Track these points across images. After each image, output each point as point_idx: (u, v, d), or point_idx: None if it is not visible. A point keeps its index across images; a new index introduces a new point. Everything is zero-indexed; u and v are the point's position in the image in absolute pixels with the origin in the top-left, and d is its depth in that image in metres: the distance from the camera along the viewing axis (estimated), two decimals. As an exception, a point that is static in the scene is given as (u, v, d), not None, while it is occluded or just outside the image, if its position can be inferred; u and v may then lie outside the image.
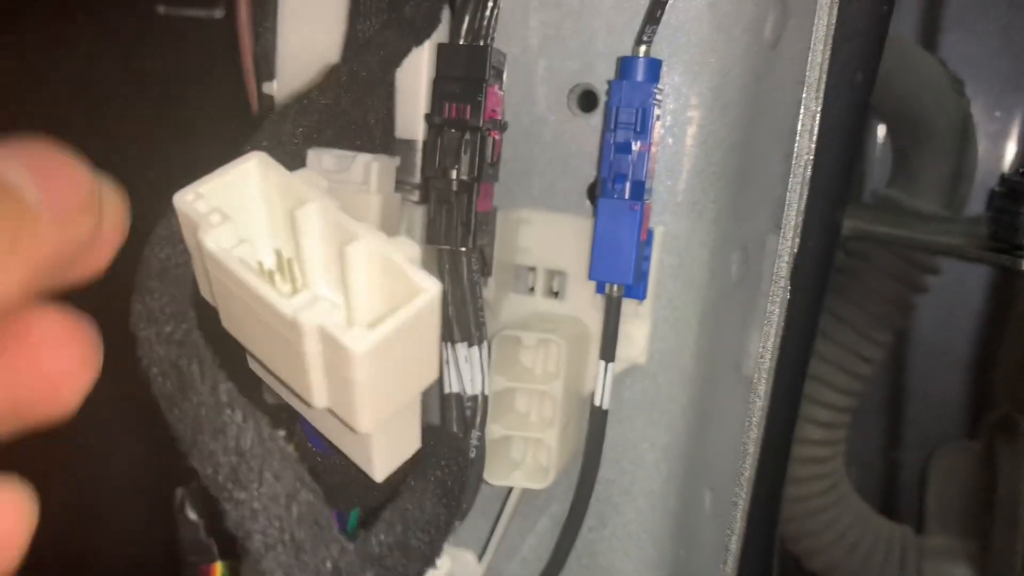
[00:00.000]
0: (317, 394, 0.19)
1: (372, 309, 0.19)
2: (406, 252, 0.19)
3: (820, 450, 0.47)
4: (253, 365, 0.23)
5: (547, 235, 0.33)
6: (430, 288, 0.18)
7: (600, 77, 0.32)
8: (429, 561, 0.23)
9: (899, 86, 0.43)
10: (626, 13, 0.31)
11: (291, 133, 0.23)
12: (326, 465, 0.26)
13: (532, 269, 0.34)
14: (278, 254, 0.20)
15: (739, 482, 0.29)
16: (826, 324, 0.47)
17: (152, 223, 0.22)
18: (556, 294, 0.34)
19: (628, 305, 0.32)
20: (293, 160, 0.23)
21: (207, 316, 0.20)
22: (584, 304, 0.33)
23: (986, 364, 0.52)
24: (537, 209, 0.33)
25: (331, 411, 0.20)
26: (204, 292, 0.21)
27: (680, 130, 0.32)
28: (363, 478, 0.24)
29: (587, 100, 0.33)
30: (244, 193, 0.20)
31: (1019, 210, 0.37)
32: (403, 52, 0.27)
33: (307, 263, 0.20)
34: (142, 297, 0.19)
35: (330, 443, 0.24)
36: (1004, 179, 0.38)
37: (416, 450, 0.24)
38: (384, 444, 0.22)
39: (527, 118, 0.33)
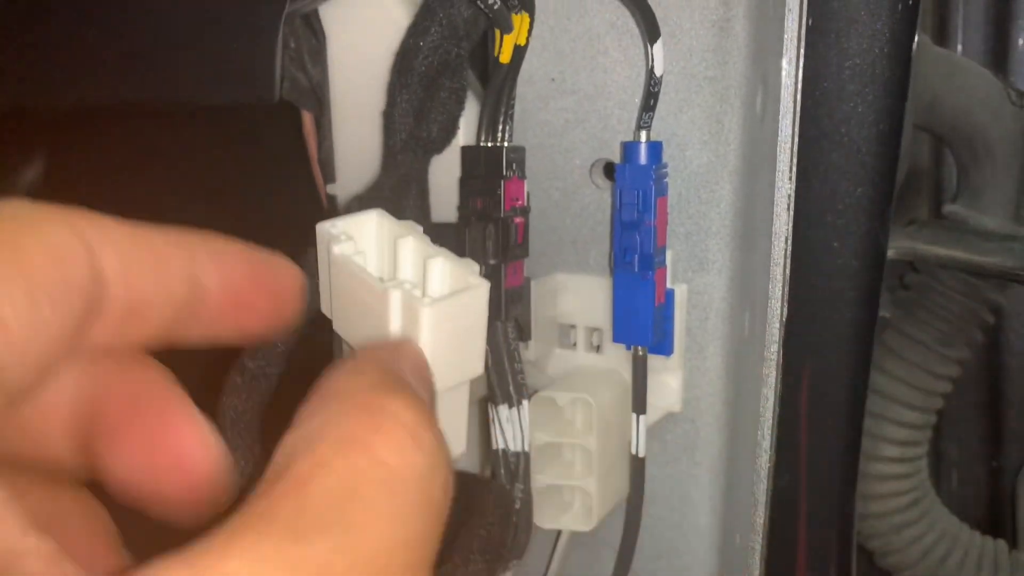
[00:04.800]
0: None
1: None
2: (470, 266, 0.25)
3: (898, 467, 0.47)
4: None
5: (582, 296, 0.37)
6: (481, 284, 0.24)
7: (617, 150, 0.35)
8: None
9: (948, 106, 0.43)
10: (636, 93, 0.34)
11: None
12: None
13: (574, 326, 0.37)
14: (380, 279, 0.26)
15: (755, 529, 0.31)
16: (896, 343, 0.47)
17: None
18: (597, 348, 0.37)
19: (659, 359, 0.35)
20: None
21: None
22: (621, 358, 0.36)
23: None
24: (572, 273, 0.37)
25: None
26: (324, 307, 0.27)
27: (697, 195, 0.34)
28: None
29: (610, 170, 0.36)
30: (364, 231, 0.26)
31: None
32: (423, 168, 0.31)
33: (399, 277, 0.26)
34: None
35: None
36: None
37: (461, 453, 0.28)
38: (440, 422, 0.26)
39: (556, 192, 0.37)
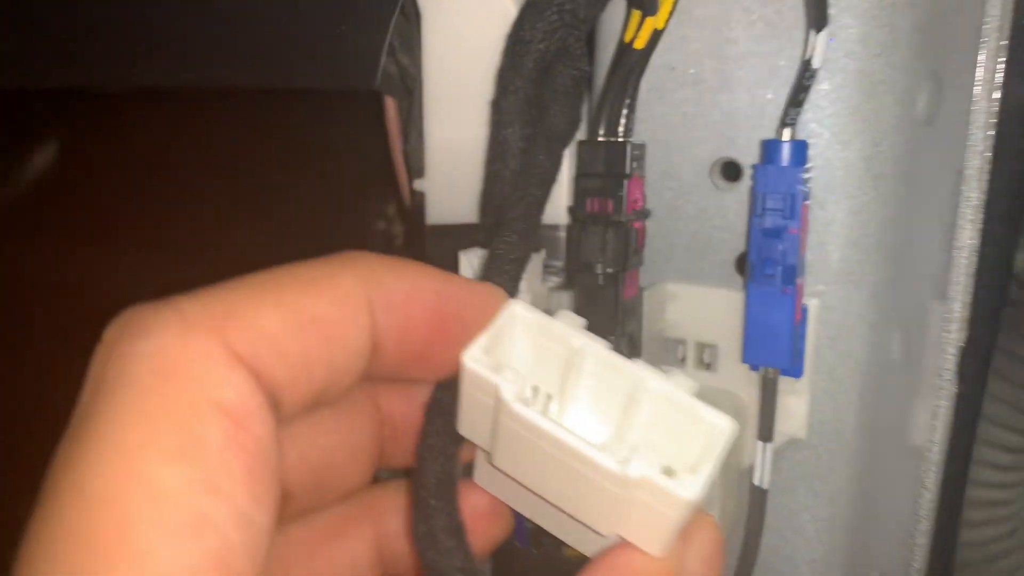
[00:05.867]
0: (612, 527, 0.21)
1: (659, 447, 0.21)
2: (688, 387, 0.21)
3: (998, 493, 0.44)
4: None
5: (696, 309, 0.33)
6: (728, 427, 0.20)
7: (743, 149, 0.32)
8: None
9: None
10: (768, 87, 0.31)
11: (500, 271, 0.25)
12: (531, 562, 0.28)
13: (682, 341, 0.34)
14: (535, 390, 0.22)
15: (909, 574, 0.28)
16: (1000, 363, 0.44)
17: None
18: (708, 365, 0.34)
19: (785, 381, 0.32)
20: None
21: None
22: (738, 377, 0.33)
23: None
24: (684, 283, 0.33)
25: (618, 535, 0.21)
26: (465, 431, 0.22)
27: (831, 199, 0.31)
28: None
29: (731, 171, 0.32)
30: (510, 340, 0.22)
31: None
32: (558, 166, 0.27)
33: (573, 401, 0.22)
34: (425, 517, 0.21)
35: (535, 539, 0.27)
36: None
37: None
38: None
39: (669, 193, 0.33)
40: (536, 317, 0.22)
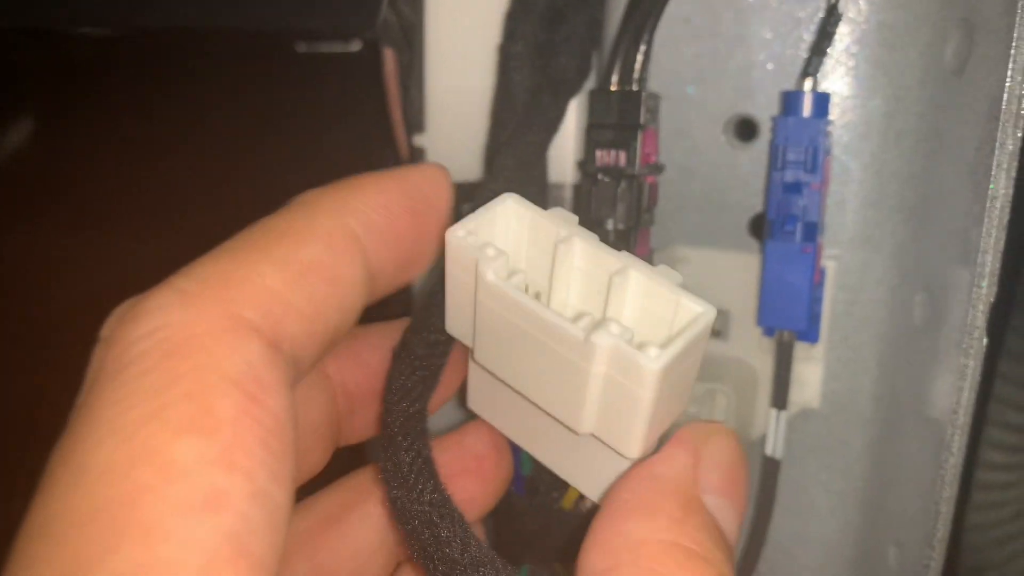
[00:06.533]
0: (587, 419, 0.20)
1: (643, 333, 0.20)
2: (672, 278, 0.20)
3: (1005, 475, 0.44)
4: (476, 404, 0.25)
5: (707, 273, 0.32)
6: (707, 310, 0.19)
7: (760, 105, 0.30)
8: None
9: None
10: (787, 40, 0.29)
11: None
12: (523, 509, 0.27)
13: (690, 307, 0.33)
14: (526, 287, 0.21)
15: (931, 544, 0.27)
16: (1011, 342, 0.43)
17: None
18: (717, 333, 0.33)
19: (800, 347, 0.30)
20: None
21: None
22: (750, 345, 0.32)
23: None
24: (695, 246, 0.32)
25: (595, 437, 0.20)
26: (452, 327, 0.22)
27: (848, 157, 0.29)
28: (557, 525, 0.26)
29: (745, 129, 0.31)
30: (500, 229, 0.21)
31: None
32: (562, 114, 0.26)
33: (559, 294, 0.21)
34: (391, 454, 0.20)
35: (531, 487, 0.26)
36: None
37: None
38: None
39: (680, 151, 0.32)
40: (529, 211, 0.21)
